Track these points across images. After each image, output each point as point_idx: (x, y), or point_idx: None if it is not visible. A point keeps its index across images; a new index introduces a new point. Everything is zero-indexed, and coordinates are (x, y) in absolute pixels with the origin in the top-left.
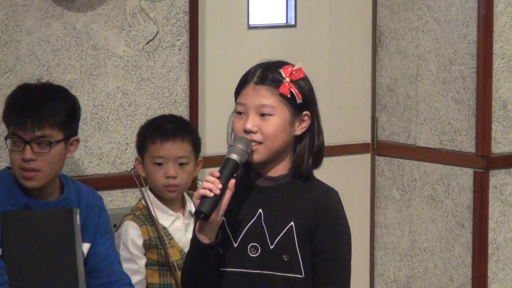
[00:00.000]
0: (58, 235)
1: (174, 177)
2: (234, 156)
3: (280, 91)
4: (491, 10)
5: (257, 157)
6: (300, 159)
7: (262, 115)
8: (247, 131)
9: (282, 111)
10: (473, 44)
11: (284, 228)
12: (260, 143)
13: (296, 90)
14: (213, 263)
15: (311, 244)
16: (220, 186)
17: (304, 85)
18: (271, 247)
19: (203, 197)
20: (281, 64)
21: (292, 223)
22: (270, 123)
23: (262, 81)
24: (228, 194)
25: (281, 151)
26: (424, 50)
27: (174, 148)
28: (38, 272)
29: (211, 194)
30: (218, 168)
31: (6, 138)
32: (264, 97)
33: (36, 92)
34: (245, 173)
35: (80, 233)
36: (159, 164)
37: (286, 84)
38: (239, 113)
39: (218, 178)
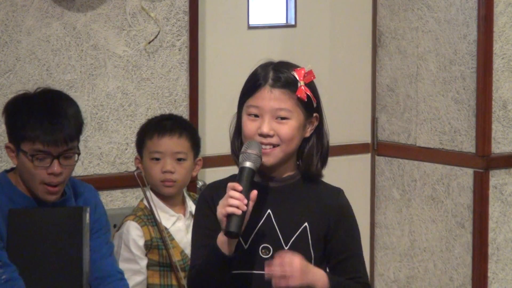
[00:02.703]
0: (67, 233)
1: (171, 172)
2: (249, 164)
3: (298, 95)
4: (491, 10)
5: (271, 160)
6: (310, 160)
7: (279, 118)
8: (263, 135)
9: (298, 115)
10: (473, 44)
11: (299, 229)
12: (275, 145)
13: (312, 94)
14: (229, 270)
15: (329, 245)
16: (245, 201)
17: (314, 87)
18: (286, 248)
19: (230, 215)
20: (289, 65)
21: (306, 224)
22: (287, 126)
23: (278, 84)
24: (250, 206)
25: (293, 153)
26: (424, 50)
27: (171, 143)
28: (43, 270)
29: (239, 212)
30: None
31: (29, 156)
32: (281, 100)
33: (53, 102)
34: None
35: (88, 232)
36: (157, 159)
37: (303, 87)
38: (252, 115)
39: (241, 191)
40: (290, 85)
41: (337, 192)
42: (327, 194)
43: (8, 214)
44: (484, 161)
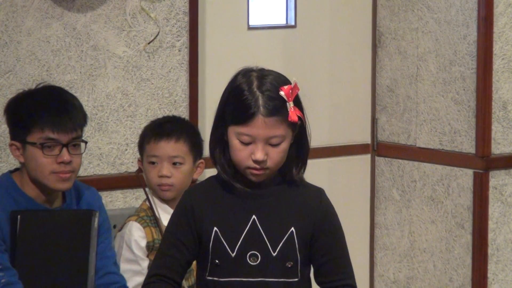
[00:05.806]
0: (75, 236)
1: (168, 177)
2: None
3: (291, 121)
4: (491, 11)
5: (261, 178)
6: (290, 167)
7: (271, 144)
8: (258, 162)
9: (288, 135)
10: (473, 45)
11: (285, 234)
12: (266, 169)
13: (301, 113)
14: None
15: (313, 247)
16: None
17: (298, 100)
18: (274, 254)
19: None
20: (276, 80)
21: (293, 228)
22: (278, 150)
23: (270, 112)
24: None
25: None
26: (424, 50)
27: (167, 147)
28: (49, 272)
29: None
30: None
31: (39, 145)
32: (275, 128)
33: (58, 93)
34: (233, 179)
35: (96, 237)
36: (153, 163)
37: (292, 109)
38: (244, 142)
39: None
40: (280, 109)
41: (319, 193)
42: (309, 196)
43: (12, 215)
44: (484, 162)
